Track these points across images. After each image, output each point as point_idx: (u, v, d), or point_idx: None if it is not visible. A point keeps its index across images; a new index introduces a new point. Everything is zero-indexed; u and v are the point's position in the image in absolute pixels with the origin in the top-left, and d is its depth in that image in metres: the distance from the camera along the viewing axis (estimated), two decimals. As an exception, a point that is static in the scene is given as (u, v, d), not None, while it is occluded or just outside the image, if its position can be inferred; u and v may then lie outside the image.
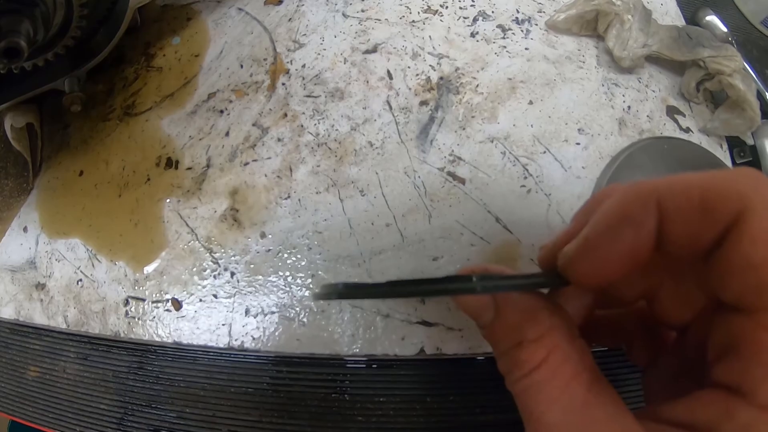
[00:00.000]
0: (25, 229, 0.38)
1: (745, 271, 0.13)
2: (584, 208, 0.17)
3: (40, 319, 0.35)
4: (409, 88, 0.31)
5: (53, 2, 0.29)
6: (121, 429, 0.33)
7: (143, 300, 0.30)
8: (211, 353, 0.30)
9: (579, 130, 0.31)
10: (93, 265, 0.33)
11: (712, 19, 0.42)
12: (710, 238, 0.14)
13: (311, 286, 0.26)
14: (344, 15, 0.34)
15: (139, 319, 0.31)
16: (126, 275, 0.32)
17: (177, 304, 0.29)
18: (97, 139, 0.37)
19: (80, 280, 0.34)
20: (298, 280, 0.27)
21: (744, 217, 0.13)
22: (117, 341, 0.34)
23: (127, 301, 0.31)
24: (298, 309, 0.26)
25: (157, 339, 0.30)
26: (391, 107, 0.30)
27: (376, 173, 0.28)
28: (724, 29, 0.42)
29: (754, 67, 0.43)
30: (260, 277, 0.27)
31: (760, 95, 0.39)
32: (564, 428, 0.15)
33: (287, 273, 0.27)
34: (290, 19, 0.34)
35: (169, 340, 0.29)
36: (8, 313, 0.37)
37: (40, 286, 0.36)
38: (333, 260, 0.27)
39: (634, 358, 0.20)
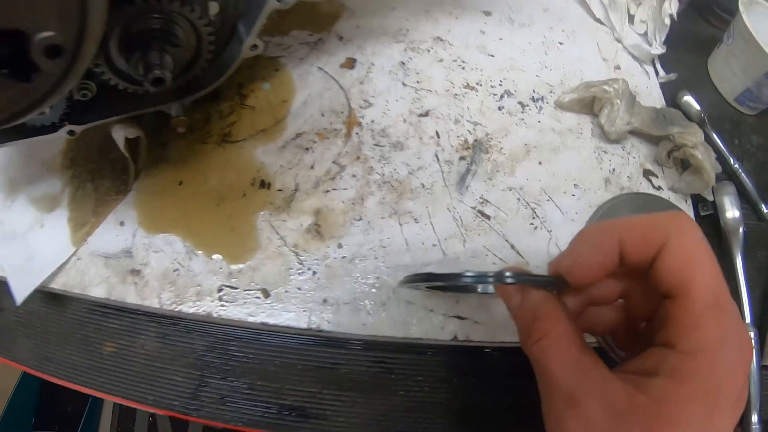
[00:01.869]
0: (121, 224, 0.46)
1: (669, 273, 0.21)
2: (575, 238, 0.25)
3: (133, 299, 0.43)
4: (452, 146, 0.41)
5: (190, 46, 0.39)
6: (194, 399, 0.40)
7: (236, 288, 0.39)
8: (287, 334, 0.39)
9: (575, 185, 0.42)
10: (190, 258, 0.42)
11: (689, 99, 0.53)
12: (650, 255, 0.22)
13: (377, 285, 0.36)
14: (404, 84, 0.45)
15: (230, 303, 0.40)
16: (221, 268, 0.40)
17: (266, 293, 0.38)
18: (196, 157, 0.46)
19: (176, 269, 0.42)
20: (366, 281, 0.37)
21: (667, 241, 0.21)
22: (199, 322, 0.42)
23: (221, 288, 0.40)
24: (365, 302, 0.36)
25: (246, 320, 0.39)
26: (438, 159, 0.41)
27: (426, 207, 0.39)
28: (698, 108, 0.53)
29: (724, 138, 0.53)
30: (336, 276, 0.37)
31: (725, 161, 0.50)
32: (563, 376, 0.22)
33: (358, 275, 0.37)
34: (361, 82, 0.45)
35: (257, 321, 0.38)
36: (99, 293, 0.44)
37: (135, 272, 0.44)
38: (393, 268, 0.37)
39: (618, 348, 0.28)
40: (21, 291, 0.44)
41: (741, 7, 0.55)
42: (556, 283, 0.24)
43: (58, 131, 0.40)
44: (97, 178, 0.48)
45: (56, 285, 0.43)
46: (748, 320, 0.43)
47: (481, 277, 0.24)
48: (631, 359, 0.24)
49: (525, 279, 0.24)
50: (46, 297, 0.45)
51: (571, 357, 0.22)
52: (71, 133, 0.41)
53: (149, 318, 0.43)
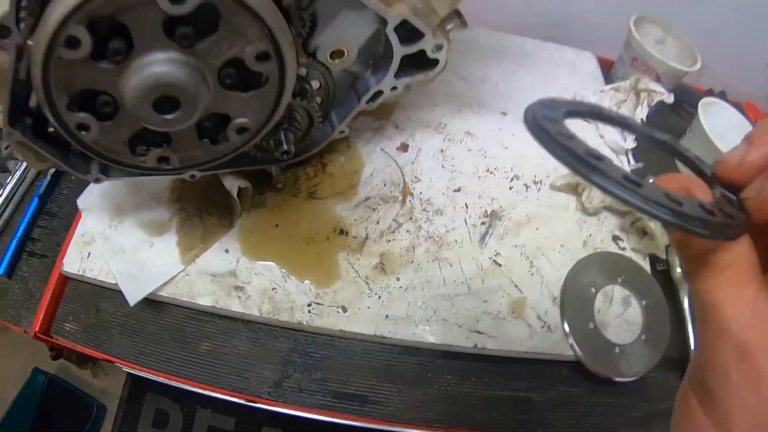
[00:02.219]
0: (226, 251, 0.57)
1: None
2: (760, 138, 0.20)
3: (237, 308, 0.53)
4: (476, 214, 0.59)
5: (303, 127, 0.55)
6: (278, 388, 0.52)
7: (321, 305, 0.56)
8: (356, 340, 0.54)
9: (561, 245, 0.59)
10: (285, 281, 0.57)
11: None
12: None
13: (423, 307, 0.53)
14: (442, 166, 0.63)
15: (317, 315, 0.56)
16: (310, 290, 0.56)
17: (344, 309, 0.55)
18: (289, 208, 0.62)
19: (274, 288, 0.56)
20: (416, 304, 0.54)
21: None
22: (287, 329, 0.54)
23: (310, 304, 0.56)
24: (415, 318, 0.53)
25: (328, 328, 0.55)
26: (466, 223, 0.59)
27: (458, 256, 0.56)
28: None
29: None
30: (395, 300, 0.54)
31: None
32: (737, 320, 0.19)
33: (410, 300, 0.54)
34: (412, 162, 0.63)
35: (336, 329, 0.55)
36: (206, 302, 0.54)
37: (239, 288, 0.56)
38: (433, 297, 0.54)
39: None
40: (133, 295, 0.55)
41: (700, 108, 0.73)
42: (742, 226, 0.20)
43: (183, 174, 0.50)
44: (204, 214, 0.60)
45: (164, 293, 0.55)
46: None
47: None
48: None
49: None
50: (144, 303, 0.55)
51: (746, 298, 0.19)
52: (192, 176, 0.51)
53: (244, 324, 0.55)
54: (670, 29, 0.82)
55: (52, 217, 0.67)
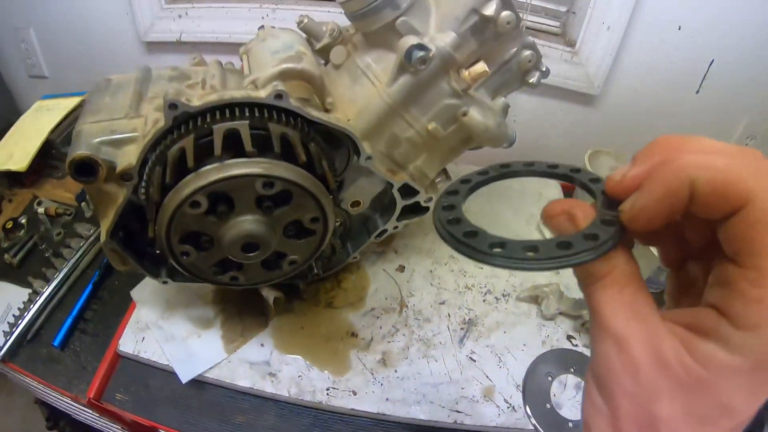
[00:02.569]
0: (262, 345, 0.71)
1: (742, 240, 0.19)
2: (642, 158, 0.22)
3: (269, 389, 0.67)
4: (456, 322, 0.77)
5: (327, 254, 0.76)
6: None
7: (337, 389, 0.71)
8: (362, 418, 0.69)
9: (524, 344, 0.76)
10: (309, 370, 0.70)
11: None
12: (724, 212, 0.19)
13: (414, 392, 0.69)
14: (431, 284, 0.82)
15: (333, 397, 0.70)
16: (328, 377, 0.69)
17: (354, 393, 0.70)
18: (311, 314, 0.80)
19: (300, 375, 0.69)
20: (410, 389, 0.70)
21: (751, 201, 0.19)
22: (308, 408, 0.68)
23: (328, 389, 0.71)
24: (409, 400, 0.69)
25: (342, 407, 0.69)
26: (449, 329, 0.76)
27: (441, 354, 0.73)
28: None
29: None
30: (393, 387, 0.70)
31: None
32: (615, 317, 0.22)
33: (405, 386, 0.70)
34: (407, 281, 0.82)
35: (348, 408, 0.69)
36: (245, 383, 0.67)
37: (272, 375, 0.68)
38: (423, 384, 0.70)
39: (666, 260, 0.27)
40: (185, 375, 0.68)
41: None
42: (617, 237, 0.23)
43: (231, 284, 0.63)
44: (244, 314, 0.75)
45: (210, 375, 0.68)
46: None
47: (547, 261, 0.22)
48: (677, 309, 0.24)
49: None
50: (189, 382, 0.68)
51: (624, 299, 0.22)
52: (239, 285, 0.65)
53: (273, 402, 0.69)
54: (620, 157, 1.00)
55: (103, 303, 0.81)
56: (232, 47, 0.93)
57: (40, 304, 0.78)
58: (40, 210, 0.94)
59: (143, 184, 0.54)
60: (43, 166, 1.02)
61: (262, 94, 0.52)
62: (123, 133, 0.55)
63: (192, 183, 0.50)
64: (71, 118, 1.02)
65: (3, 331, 0.76)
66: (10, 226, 0.91)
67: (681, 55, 0.99)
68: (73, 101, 1.05)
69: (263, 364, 0.70)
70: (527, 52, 0.62)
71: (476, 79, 0.61)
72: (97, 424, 0.82)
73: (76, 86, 1.10)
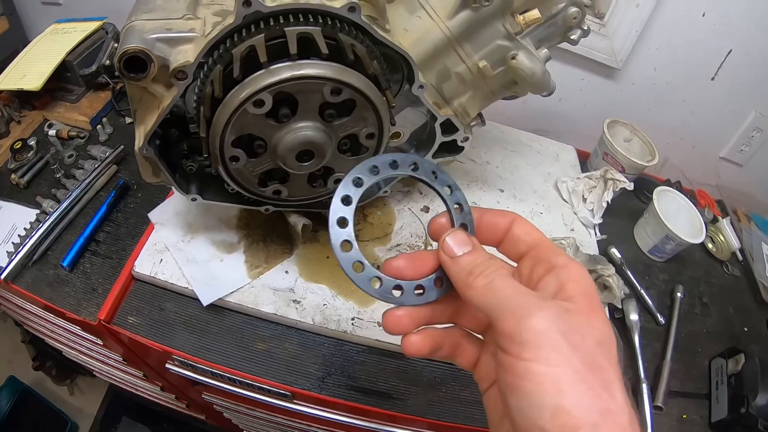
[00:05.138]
0: (287, 272, 0.69)
1: (521, 236, 0.34)
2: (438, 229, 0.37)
3: (293, 316, 0.65)
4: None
5: None
6: (321, 382, 0.64)
7: (362, 320, 0.71)
8: (388, 350, 0.67)
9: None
10: (334, 299, 0.68)
11: (613, 250, 0.91)
12: (503, 229, 0.35)
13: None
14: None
15: (358, 327, 0.69)
16: (354, 308, 0.69)
17: (379, 324, 0.70)
18: None
19: (325, 304, 0.67)
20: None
21: (514, 220, 0.34)
22: (332, 337, 0.68)
23: (353, 319, 0.70)
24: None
25: (367, 337, 0.68)
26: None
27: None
28: (618, 255, 0.90)
29: (637, 275, 0.89)
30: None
31: (635, 287, 0.87)
32: (516, 297, 0.29)
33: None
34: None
35: (373, 338, 0.70)
36: (268, 309, 0.65)
37: (296, 302, 0.66)
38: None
39: (464, 364, 0.38)
40: (207, 298, 0.66)
41: (654, 195, 0.95)
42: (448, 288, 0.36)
43: (261, 207, 0.64)
44: (268, 241, 0.74)
45: (232, 299, 0.66)
46: (643, 385, 0.75)
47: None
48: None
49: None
50: (206, 306, 0.66)
51: (514, 284, 0.30)
52: (267, 210, 0.65)
53: (295, 331, 0.68)
54: (636, 131, 1.05)
55: (117, 225, 0.78)
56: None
57: (49, 224, 0.74)
58: (51, 132, 0.89)
59: (198, 83, 0.52)
60: (56, 88, 0.96)
61: (337, 4, 0.50)
62: (180, 32, 0.53)
63: (262, 79, 0.48)
64: (90, 41, 0.96)
65: (7, 251, 0.72)
66: (18, 147, 0.85)
67: (701, 41, 1.00)
68: (92, 25, 0.97)
69: (288, 291, 0.69)
70: (573, 9, 0.63)
71: (529, 24, 0.62)
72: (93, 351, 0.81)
73: (92, 14, 1.02)
